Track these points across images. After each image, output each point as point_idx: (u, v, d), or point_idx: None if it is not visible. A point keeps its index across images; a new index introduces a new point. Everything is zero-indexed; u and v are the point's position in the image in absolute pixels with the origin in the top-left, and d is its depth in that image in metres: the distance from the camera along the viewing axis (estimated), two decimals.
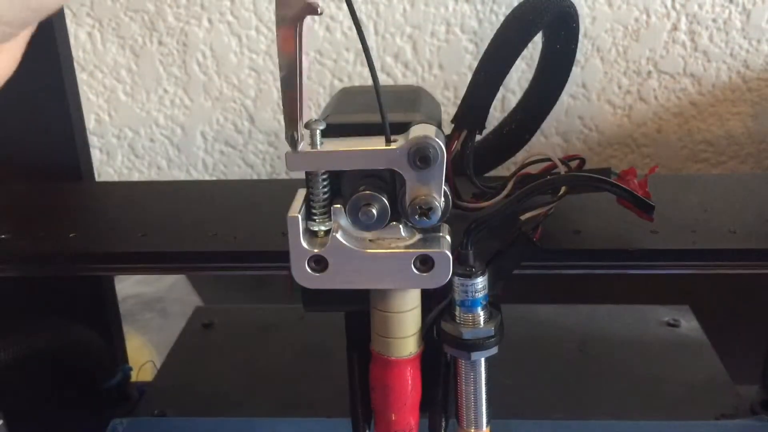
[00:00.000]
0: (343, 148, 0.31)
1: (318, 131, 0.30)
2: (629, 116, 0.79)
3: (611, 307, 0.68)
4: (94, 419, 0.55)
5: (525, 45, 0.40)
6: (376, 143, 0.31)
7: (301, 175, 0.32)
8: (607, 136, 0.80)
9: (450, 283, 0.33)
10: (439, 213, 0.31)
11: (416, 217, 0.31)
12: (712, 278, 0.76)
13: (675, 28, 0.75)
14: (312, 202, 0.32)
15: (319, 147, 0.30)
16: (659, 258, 0.43)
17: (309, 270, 0.32)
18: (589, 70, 0.77)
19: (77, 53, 0.79)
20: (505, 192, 0.42)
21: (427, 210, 0.31)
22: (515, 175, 0.43)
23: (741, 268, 0.44)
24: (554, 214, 0.41)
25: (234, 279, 0.87)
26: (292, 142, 0.30)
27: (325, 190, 0.32)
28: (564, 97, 0.77)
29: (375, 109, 0.31)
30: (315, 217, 0.32)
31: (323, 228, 0.32)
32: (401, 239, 0.32)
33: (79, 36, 0.79)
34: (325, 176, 0.31)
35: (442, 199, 0.31)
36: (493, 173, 0.47)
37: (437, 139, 0.30)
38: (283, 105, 0.29)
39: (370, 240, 0.32)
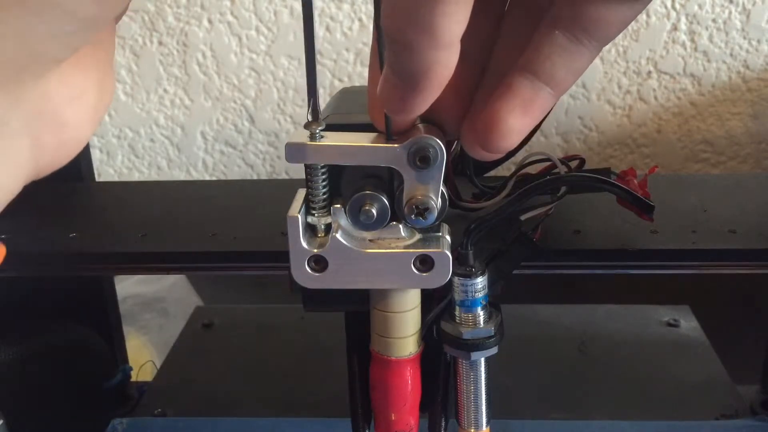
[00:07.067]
0: (343, 143, 0.30)
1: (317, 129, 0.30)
2: (629, 116, 0.79)
3: (611, 307, 0.68)
4: (94, 419, 0.55)
5: None
6: (377, 140, 0.31)
7: (301, 175, 0.32)
8: (607, 136, 0.80)
9: (450, 283, 0.33)
10: (435, 214, 0.31)
11: (412, 216, 0.31)
12: (712, 278, 0.76)
13: (675, 28, 0.75)
14: (311, 196, 0.32)
15: (318, 141, 0.30)
16: (659, 258, 0.43)
17: (309, 270, 0.32)
18: (589, 70, 0.77)
19: None
20: (505, 192, 0.42)
21: (423, 210, 0.31)
22: (515, 175, 0.43)
23: (741, 268, 0.44)
24: (554, 214, 0.41)
25: (234, 279, 0.87)
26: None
27: (324, 183, 0.31)
28: (564, 97, 0.77)
29: None
30: (314, 212, 0.32)
31: (322, 222, 0.32)
32: (401, 239, 0.32)
33: None
34: (324, 170, 0.31)
35: (439, 200, 0.31)
36: (493, 173, 0.47)
37: (437, 139, 0.30)
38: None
39: (370, 240, 0.32)
